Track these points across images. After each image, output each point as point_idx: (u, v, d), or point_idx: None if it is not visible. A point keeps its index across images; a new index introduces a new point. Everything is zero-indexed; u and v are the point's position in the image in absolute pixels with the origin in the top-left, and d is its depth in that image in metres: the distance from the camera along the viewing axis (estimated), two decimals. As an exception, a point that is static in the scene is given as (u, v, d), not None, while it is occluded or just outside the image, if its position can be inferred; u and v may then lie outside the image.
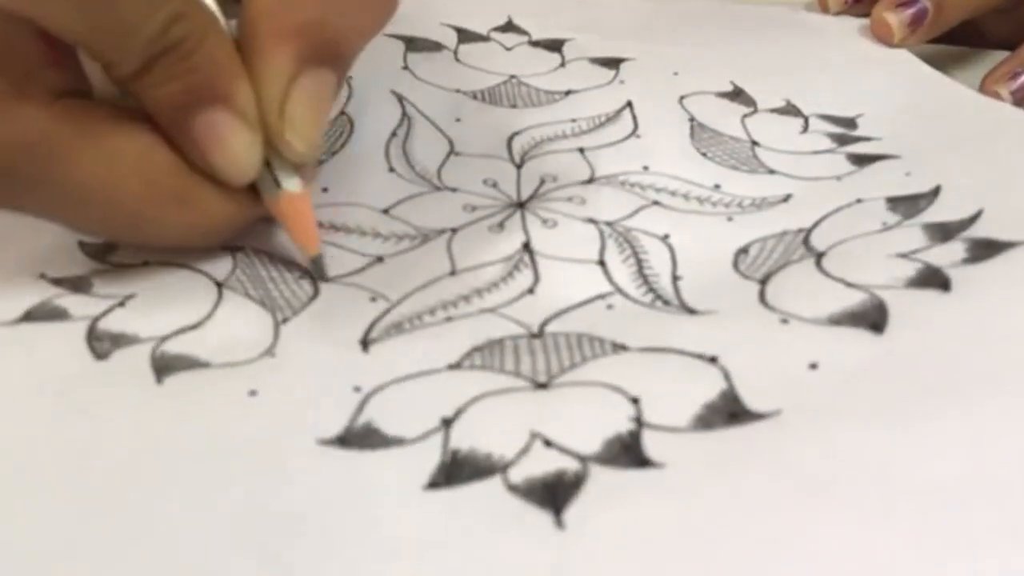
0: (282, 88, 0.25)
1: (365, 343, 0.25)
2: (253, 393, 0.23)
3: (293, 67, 0.25)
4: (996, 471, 0.20)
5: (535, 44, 0.40)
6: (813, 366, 0.24)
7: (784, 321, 0.25)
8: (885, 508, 0.20)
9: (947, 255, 0.27)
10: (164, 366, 0.24)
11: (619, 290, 0.27)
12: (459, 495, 0.21)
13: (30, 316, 0.26)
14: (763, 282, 0.27)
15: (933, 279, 0.26)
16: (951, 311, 0.25)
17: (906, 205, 0.29)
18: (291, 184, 0.26)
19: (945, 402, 0.22)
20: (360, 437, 0.22)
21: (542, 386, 0.23)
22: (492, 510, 0.20)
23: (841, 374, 0.23)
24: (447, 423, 0.22)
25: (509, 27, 0.40)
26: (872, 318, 0.25)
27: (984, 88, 0.37)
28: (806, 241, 0.28)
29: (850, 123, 0.34)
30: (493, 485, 0.21)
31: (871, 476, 0.21)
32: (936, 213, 0.29)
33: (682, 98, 0.36)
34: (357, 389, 0.23)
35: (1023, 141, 0.32)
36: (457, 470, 0.21)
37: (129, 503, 0.20)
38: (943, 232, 0.28)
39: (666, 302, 0.26)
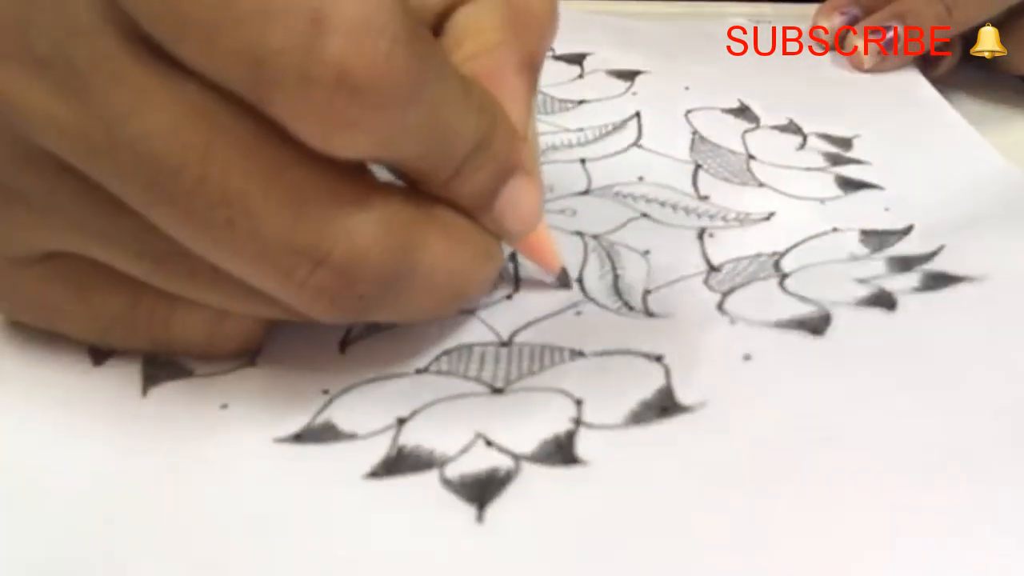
0: (527, 119, 0.25)
1: (344, 344, 0.26)
2: (224, 407, 0.24)
3: (531, 94, 0.25)
4: (918, 471, 0.21)
5: (557, 58, 0.41)
6: (747, 357, 0.24)
7: (732, 323, 0.26)
8: (803, 503, 0.20)
9: (901, 282, 0.27)
10: (152, 374, 0.25)
11: (590, 299, 0.28)
12: (395, 484, 0.22)
13: None
14: (726, 294, 0.27)
15: (881, 300, 0.26)
16: (890, 325, 0.25)
17: (877, 239, 0.30)
18: None
19: (870, 401, 0.23)
20: (316, 433, 0.23)
21: (498, 391, 0.24)
22: (422, 502, 0.21)
23: (772, 366, 0.24)
24: (401, 422, 0.23)
25: None
26: (814, 324, 0.25)
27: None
28: (776, 264, 0.29)
29: (846, 143, 0.35)
30: (429, 478, 0.22)
31: (790, 468, 0.21)
32: (902, 248, 0.29)
33: (688, 112, 0.37)
34: (325, 392, 0.24)
35: (1004, 187, 0.32)
36: (399, 463, 0.22)
37: (103, 520, 0.21)
38: (903, 264, 0.28)
39: (631, 308, 0.27)
